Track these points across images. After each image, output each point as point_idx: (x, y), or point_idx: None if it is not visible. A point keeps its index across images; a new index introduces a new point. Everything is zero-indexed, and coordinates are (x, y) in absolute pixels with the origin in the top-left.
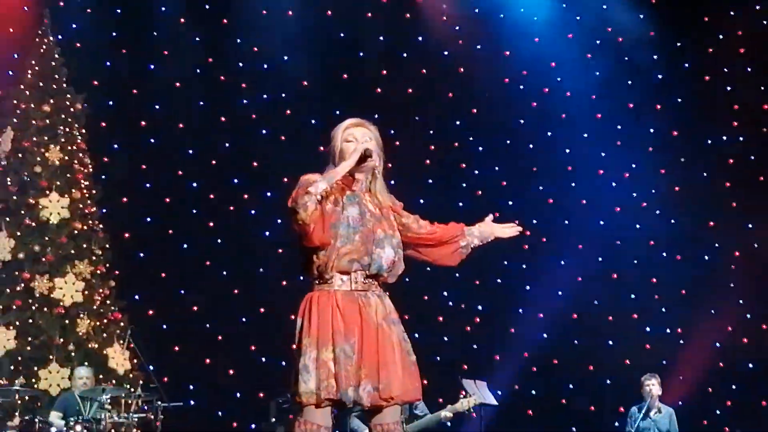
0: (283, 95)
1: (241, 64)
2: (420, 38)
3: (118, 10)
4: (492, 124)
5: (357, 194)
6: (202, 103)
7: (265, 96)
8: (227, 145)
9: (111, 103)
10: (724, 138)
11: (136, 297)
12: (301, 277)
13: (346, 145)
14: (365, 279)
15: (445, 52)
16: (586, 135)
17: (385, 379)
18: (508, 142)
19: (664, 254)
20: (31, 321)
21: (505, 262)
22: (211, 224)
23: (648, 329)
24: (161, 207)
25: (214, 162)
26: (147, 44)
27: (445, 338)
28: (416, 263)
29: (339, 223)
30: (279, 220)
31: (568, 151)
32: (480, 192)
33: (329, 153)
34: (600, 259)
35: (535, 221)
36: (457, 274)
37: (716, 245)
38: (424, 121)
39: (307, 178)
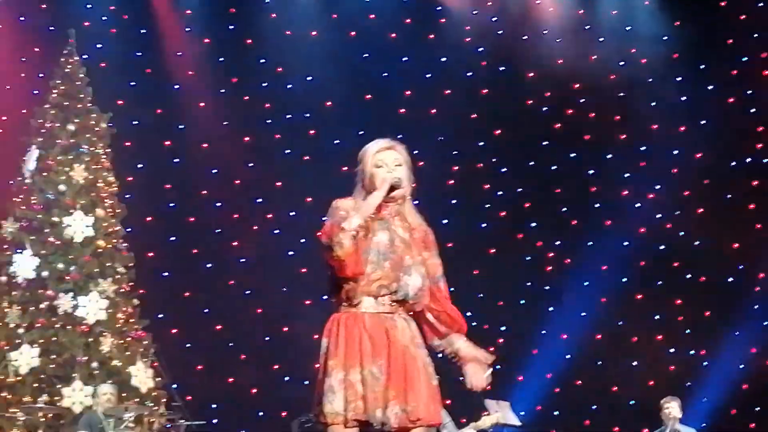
0: (307, 115)
1: (265, 84)
2: (443, 59)
3: (143, 30)
4: (515, 145)
5: (386, 219)
6: (226, 122)
7: (288, 116)
8: (251, 164)
9: (135, 122)
10: (748, 160)
11: (160, 316)
12: (326, 298)
13: (376, 171)
14: (392, 303)
15: (469, 73)
16: (610, 156)
17: (414, 401)
18: (532, 163)
19: (689, 276)
20: (54, 339)
21: (529, 283)
22: (235, 243)
23: (672, 350)
24: (185, 226)
25: (237, 182)
26: (171, 64)
27: None
28: None
29: (369, 249)
30: (302, 240)
31: (591, 172)
32: (503, 213)
33: (358, 175)
34: (624, 280)
35: (558, 242)
36: (480, 295)
37: (740, 267)
38: (448, 141)
39: (339, 207)
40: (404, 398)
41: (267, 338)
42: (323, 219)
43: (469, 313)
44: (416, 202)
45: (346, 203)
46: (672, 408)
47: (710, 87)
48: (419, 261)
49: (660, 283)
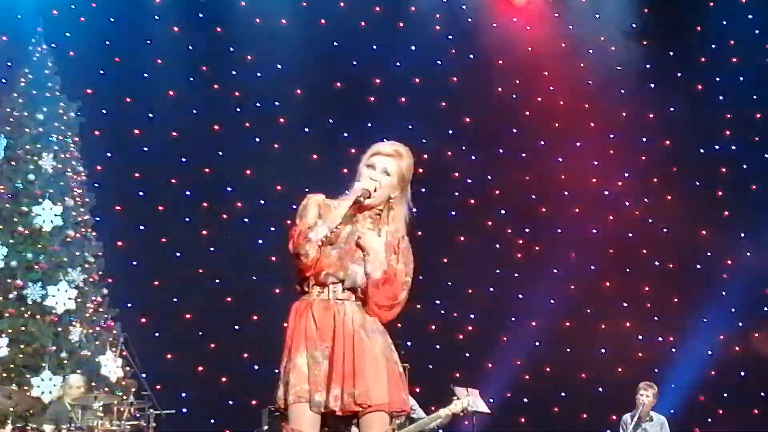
0: (277, 104)
1: (234, 73)
2: (413, 47)
3: (112, 19)
4: (485, 133)
5: (357, 216)
6: (195, 111)
7: (258, 104)
8: (220, 153)
9: (104, 111)
10: (717, 147)
11: (129, 305)
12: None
13: (364, 170)
14: (343, 290)
15: (438, 62)
16: (578, 144)
17: (362, 386)
18: (501, 151)
19: (657, 263)
20: (23, 328)
21: (498, 271)
22: (205, 232)
23: (640, 337)
24: (154, 215)
25: (207, 170)
26: (140, 53)
27: (438, 346)
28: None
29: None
30: (272, 228)
31: (560, 159)
32: (472, 201)
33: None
34: (593, 267)
35: (527, 230)
36: (449, 283)
37: (708, 254)
38: (417, 129)
39: (308, 205)
40: (351, 382)
41: (236, 327)
42: (292, 208)
43: (438, 301)
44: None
45: (319, 199)
46: (646, 395)
47: (679, 74)
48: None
49: (628, 270)
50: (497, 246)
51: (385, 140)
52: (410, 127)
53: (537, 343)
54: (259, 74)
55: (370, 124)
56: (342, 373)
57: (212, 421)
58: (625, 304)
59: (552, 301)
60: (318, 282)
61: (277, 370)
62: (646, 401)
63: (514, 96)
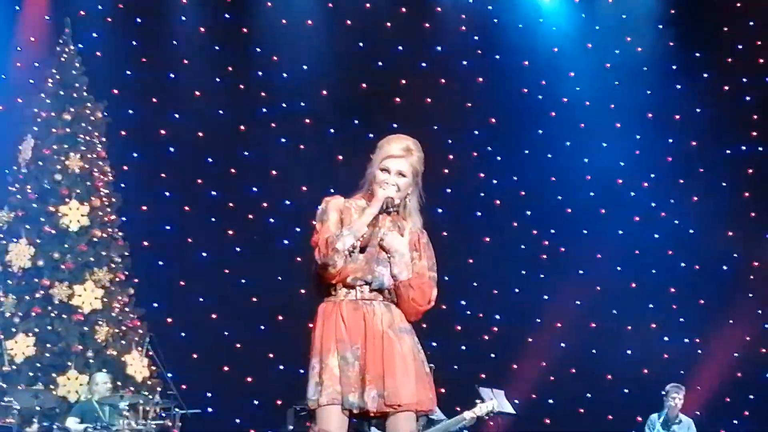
0: (303, 104)
1: (260, 73)
2: (439, 48)
3: (139, 20)
4: (510, 133)
5: (376, 216)
6: (221, 111)
7: (284, 105)
8: (246, 153)
9: (131, 111)
10: (743, 148)
11: (155, 305)
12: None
13: (379, 174)
14: (370, 291)
15: (464, 62)
16: (605, 144)
17: (392, 387)
18: (527, 152)
19: (683, 264)
20: (50, 328)
21: (523, 272)
22: (231, 232)
23: (666, 339)
24: (180, 215)
25: (233, 170)
26: (167, 53)
27: (463, 347)
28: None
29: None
30: (298, 229)
31: (586, 160)
32: (498, 202)
33: (370, 162)
34: (618, 268)
35: (553, 231)
36: (475, 284)
37: (735, 255)
38: (443, 130)
39: (328, 209)
40: (381, 383)
41: (262, 327)
42: (316, 209)
43: (463, 302)
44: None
45: (338, 202)
46: (678, 398)
47: (705, 75)
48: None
49: (654, 271)
50: (522, 247)
51: (400, 137)
52: (436, 127)
53: (562, 344)
54: (285, 75)
55: (395, 125)
56: (374, 374)
57: (237, 420)
58: (650, 306)
59: (577, 302)
60: (345, 284)
61: (302, 371)
62: (678, 404)
63: (539, 97)
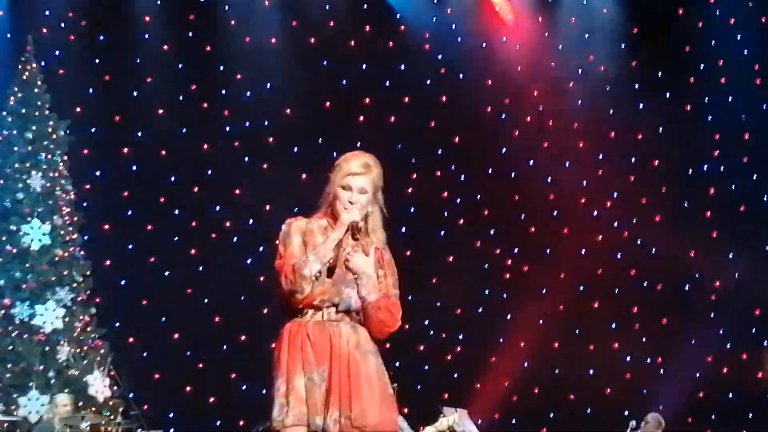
0: (266, 123)
1: (224, 92)
2: (402, 66)
3: (101, 37)
4: (474, 152)
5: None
6: (184, 130)
7: (247, 123)
8: (209, 172)
9: (93, 129)
10: (705, 167)
11: (117, 324)
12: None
13: (341, 192)
14: (336, 312)
15: (428, 81)
16: (567, 164)
17: (358, 409)
18: (490, 171)
19: (645, 284)
20: (11, 348)
21: (486, 291)
22: (193, 251)
23: (628, 358)
24: (143, 234)
25: (196, 189)
26: (130, 71)
27: (426, 367)
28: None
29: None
30: (261, 248)
31: (549, 180)
32: (461, 221)
33: (328, 181)
34: (581, 288)
35: (516, 250)
36: (438, 303)
37: (696, 275)
38: (406, 149)
39: (291, 233)
40: (348, 405)
41: (224, 347)
42: (280, 228)
43: (426, 321)
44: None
45: (301, 224)
46: (660, 427)
47: (668, 94)
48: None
49: (617, 291)
50: (486, 266)
51: (358, 155)
52: (399, 146)
53: (525, 364)
54: (248, 93)
55: (359, 143)
56: (339, 396)
57: None
58: (613, 325)
59: (540, 322)
60: (312, 306)
61: (265, 391)
62: None
63: (503, 116)
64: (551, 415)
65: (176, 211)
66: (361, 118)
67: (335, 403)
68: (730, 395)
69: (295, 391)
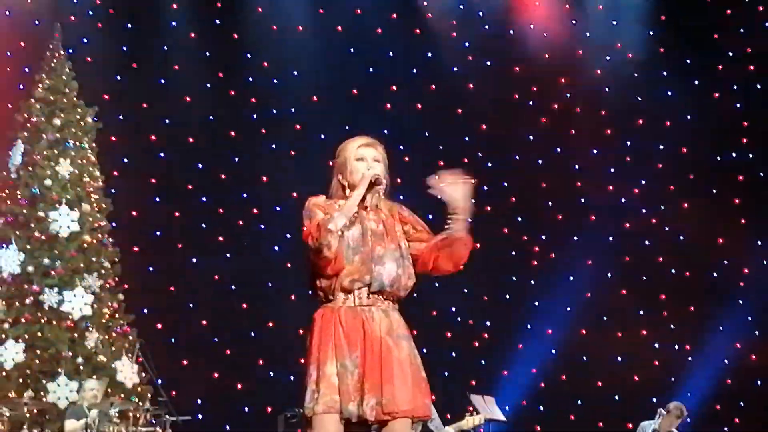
0: (293, 110)
1: (251, 79)
2: (429, 54)
3: (129, 25)
4: (501, 140)
5: (359, 213)
6: (212, 117)
7: (274, 111)
8: (237, 159)
9: (121, 117)
10: (734, 155)
11: (145, 311)
12: (310, 296)
13: (356, 164)
14: (369, 295)
15: (455, 68)
16: (595, 151)
17: (389, 394)
18: (517, 158)
19: (673, 271)
20: (39, 334)
21: (514, 278)
22: (221, 238)
23: (656, 346)
24: (171, 221)
25: (223, 176)
26: (157, 59)
27: (453, 354)
28: (426, 278)
29: (340, 245)
30: (288, 235)
31: (577, 167)
32: (489, 208)
33: (336, 167)
34: (609, 275)
35: (543, 237)
36: (465, 290)
37: (725, 262)
38: (433, 136)
39: (316, 205)
40: (380, 391)
41: (252, 333)
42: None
43: (453, 308)
44: (401, 197)
45: (320, 200)
46: (680, 420)
47: (696, 82)
48: (393, 248)
49: (645, 278)
50: (513, 253)
51: (351, 138)
52: (426, 133)
53: (553, 351)
54: (275, 80)
55: (386, 131)
56: (373, 382)
57: (227, 427)
58: (641, 312)
59: (568, 309)
60: (343, 288)
61: (293, 377)
62: (676, 426)
63: (530, 103)
64: (579, 402)
65: (203, 198)
66: (388, 105)
67: (371, 390)
68: (759, 382)
69: (326, 377)
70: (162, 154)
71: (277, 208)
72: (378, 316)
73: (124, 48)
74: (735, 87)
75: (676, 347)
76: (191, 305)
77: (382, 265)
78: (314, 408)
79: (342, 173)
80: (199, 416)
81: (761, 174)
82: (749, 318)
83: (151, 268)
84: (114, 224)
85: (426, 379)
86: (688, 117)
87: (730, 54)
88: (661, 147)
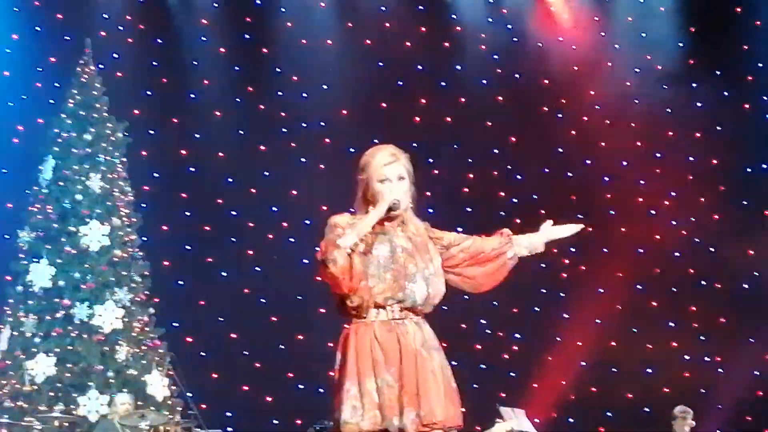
0: (322, 124)
1: (280, 93)
2: (459, 67)
3: (159, 40)
4: (530, 152)
5: (387, 231)
6: (241, 132)
7: (304, 125)
8: (266, 173)
9: (151, 132)
10: (764, 166)
11: (175, 324)
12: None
13: (380, 186)
14: (401, 310)
15: (484, 81)
16: (625, 163)
17: (426, 406)
18: (547, 170)
19: (703, 282)
20: (70, 348)
21: (543, 290)
22: (250, 252)
23: (686, 357)
24: (200, 235)
25: (253, 190)
26: (187, 74)
27: (483, 366)
28: (454, 290)
29: (369, 263)
30: (317, 249)
31: (607, 179)
32: (518, 221)
33: (359, 183)
34: (639, 287)
35: (573, 249)
36: (495, 303)
37: (755, 273)
38: (462, 149)
39: (336, 224)
40: (417, 403)
41: (281, 346)
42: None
43: (483, 321)
44: (430, 210)
45: (343, 219)
46: (689, 421)
47: (726, 93)
48: (423, 266)
49: (675, 290)
50: (543, 265)
51: (382, 147)
52: (456, 146)
53: (582, 363)
54: (305, 95)
55: (415, 144)
56: (411, 395)
57: None
58: (671, 324)
59: (598, 321)
60: (377, 305)
61: (322, 390)
62: (687, 428)
63: (559, 115)
64: (609, 414)
65: (233, 212)
66: (417, 118)
67: (410, 403)
68: None
69: (368, 394)
70: (192, 169)
71: (307, 222)
72: (412, 329)
73: (154, 63)
74: (765, 98)
75: (706, 359)
76: (221, 319)
77: (415, 283)
78: (359, 424)
79: (365, 191)
80: (229, 429)
81: None
82: None
83: (181, 282)
84: (144, 238)
85: (457, 389)
86: (719, 128)
87: (760, 65)
88: (692, 159)
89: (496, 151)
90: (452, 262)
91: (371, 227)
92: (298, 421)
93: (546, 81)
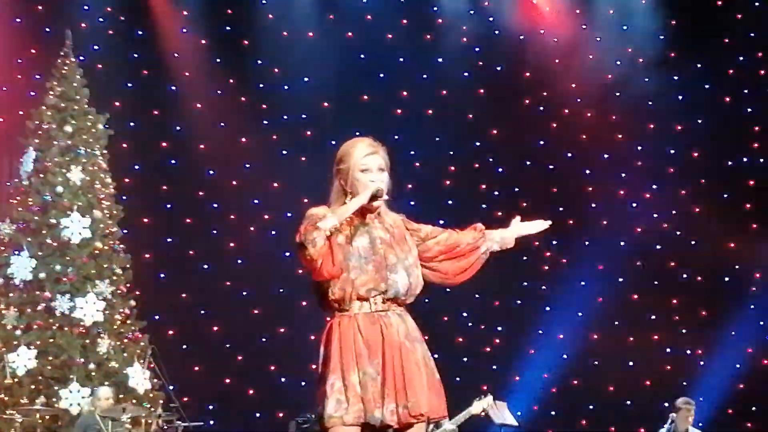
0: (304, 116)
1: (261, 85)
2: (440, 59)
3: (140, 32)
4: (511, 144)
5: (366, 223)
6: (223, 124)
7: (285, 117)
8: (248, 165)
9: (132, 124)
10: (745, 159)
11: (157, 317)
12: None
13: (361, 176)
14: (384, 302)
15: (465, 74)
16: (606, 156)
17: (413, 397)
18: (528, 163)
19: (685, 275)
20: (51, 340)
21: (525, 284)
22: (232, 244)
23: (668, 350)
24: (182, 227)
25: (234, 182)
26: (168, 66)
27: (465, 359)
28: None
29: (350, 255)
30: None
31: (588, 172)
32: (499, 213)
33: (338, 173)
34: (620, 279)
35: (555, 242)
36: (476, 295)
37: (736, 267)
38: (444, 141)
39: (315, 212)
40: (403, 395)
41: (263, 339)
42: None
43: (464, 313)
44: (412, 203)
45: (320, 211)
46: (691, 415)
47: (707, 86)
48: (403, 257)
49: (656, 282)
50: (524, 258)
51: (361, 138)
52: (437, 139)
53: (564, 356)
54: (286, 87)
55: (396, 137)
56: (394, 387)
57: None
58: (653, 317)
59: (579, 314)
60: (359, 297)
61: (304, 383)
62: (691, 420)
63: (541, 108)
64: (591, 407)
65: (215, 204)
66: (399, 111)
67: (391, 395)
68: None
69: (351, 387)
70: (173, 161)
71: (288, 214)
72: (395, 321)
73: (135, 55)
74: (746, 91)
75: (688, 352)
76: (203, 311)
77: (396, 273)
78: (343, 418)
79: (345, 180)
80: (211, 422)
81: None
82: (761, 323)
83: (162, 275)
84: (125, 231)
85: (440, 380)
86: (699, 121)
87: (741, 58)
88: (672, 151)
89: (477, 143)
90: (428, 255)
91: (352, 214)
92: (281, 414)
93: (527, 74)
